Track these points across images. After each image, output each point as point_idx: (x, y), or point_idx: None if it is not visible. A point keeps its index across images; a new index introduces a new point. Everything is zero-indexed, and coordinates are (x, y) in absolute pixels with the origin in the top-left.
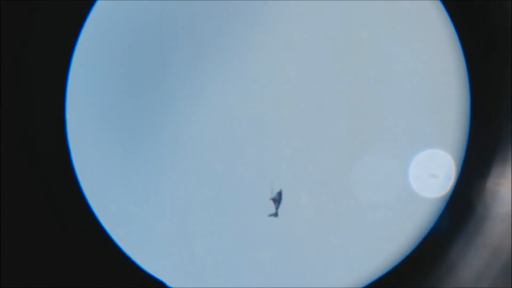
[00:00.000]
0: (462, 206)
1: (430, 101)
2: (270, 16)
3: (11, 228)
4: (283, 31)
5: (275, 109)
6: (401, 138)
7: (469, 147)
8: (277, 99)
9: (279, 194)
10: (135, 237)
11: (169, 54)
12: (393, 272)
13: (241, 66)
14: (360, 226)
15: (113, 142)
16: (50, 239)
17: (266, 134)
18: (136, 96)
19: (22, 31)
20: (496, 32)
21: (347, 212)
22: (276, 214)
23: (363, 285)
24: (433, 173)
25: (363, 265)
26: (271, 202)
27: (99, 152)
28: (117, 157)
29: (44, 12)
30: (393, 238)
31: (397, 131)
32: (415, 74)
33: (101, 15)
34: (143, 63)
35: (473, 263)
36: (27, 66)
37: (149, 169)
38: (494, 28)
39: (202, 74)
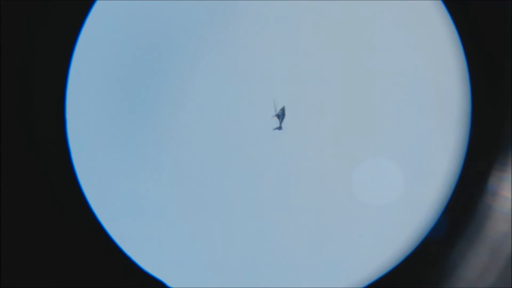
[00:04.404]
0: (462, 207)
1: (431, 102)
2: (271, 16)
3: (11, 228)
4: (284, 31)
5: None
6: (402, 139)
7: (470, 147)
8: (277, 100)
9: (282, 110)
10: (135, 236)
11: (168, 54)
12: (393, 272)
13: (242, 67)
14: (360, 226)
15: (112, 142)
16: (50, 239)
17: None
18: (135, 95)
19: (23, 31)
20: (496, 32)
21: (347, 213)
22: (280, 128)
23: (363, 285)
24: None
25: (363, 265)
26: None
27: (99, 152)
28: (117, 157)
29: (44, 12)
30: (394, 239)
31: (398, 132)
32: (416, 74)
33: (101, 15)
34: (142, 62)
35: (473, 263)
36: (27, 65)
37: (149, 169)
38: (495, 28)
39: (201, 72)
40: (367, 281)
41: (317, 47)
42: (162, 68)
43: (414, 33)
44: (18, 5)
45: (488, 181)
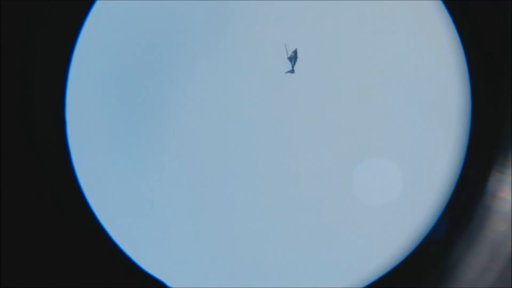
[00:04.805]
0: (462, 207)
1: (431, 102)
2: (269, 16)
3: (11, 228)
4: (284, 31)
5: (271, 112)
6: (402, 139)
7: (470, 147)
8: (274, 100)
9: (295, 52)
10: (135, 236)
11: (168, 53)
12: (393, 272)
13: (242, 66)
14: (360, 226)
15: (112, 142)
16: (50, 239)
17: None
18: (135, 95)
19: (23, 31)
20: (496, 32)
21: (347, 213)
22: (292, 71)
23: (363, 285)
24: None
25: (363, 265)
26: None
27: (99, 152)
28: (116, 157)
29: (44, 12)
30: (394, 239)
31: (398, 132)
32: (416, 74)
33: (101, 15)
34: (142, 62)
35: (473, 263)
36: (27, 65)
37: (149, 169)
38: (495, 28)
39: (201, 71)
40: (367, 281)
41: (317, 47)
42: (162, 68)
43: (414, 33)
44: (18, 5)
45: (488, 181)
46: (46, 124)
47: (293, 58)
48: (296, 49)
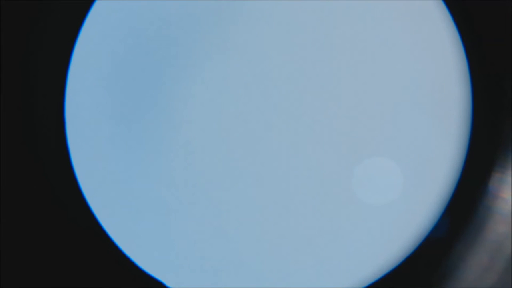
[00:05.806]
0: (463, 207)
1: (431, 102)
2: (269, 16)
3: (11, 228)
4: (284, 30)
5: (268, 113)
6: (402, 139)
7: (470, 148)
8: (273, 100)
9: None
10: (135, 237)
11: (167, 53)
12: (393, 272)
13: (241, 66)
14: (361, 226)
15: (112, 142)
16: (50, 239)
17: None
18: (135, 95)
19: (22, 31)
20: (496, 32)
21: (348, 213)
22: None
23: (364, 285)
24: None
25: (364, 265)
26: None
27: (98, 152)
28: (116, 157)
29: (43, 12)
30: (394, 239)
31: (398, 132)
32: (416, 74)
33: (100, 15)
34: (142, 62)
35: (473, 264)
36: (27, 66)
37: (149, 169)
38: (495, 28)
39: (201, 72)
40: (368, 281)
41: (317, 48)
42: (162, 68)
43: (414, 33)
44: (17, 5)
45: (488, 182)
46: (45, 124)
47: None
48: None
